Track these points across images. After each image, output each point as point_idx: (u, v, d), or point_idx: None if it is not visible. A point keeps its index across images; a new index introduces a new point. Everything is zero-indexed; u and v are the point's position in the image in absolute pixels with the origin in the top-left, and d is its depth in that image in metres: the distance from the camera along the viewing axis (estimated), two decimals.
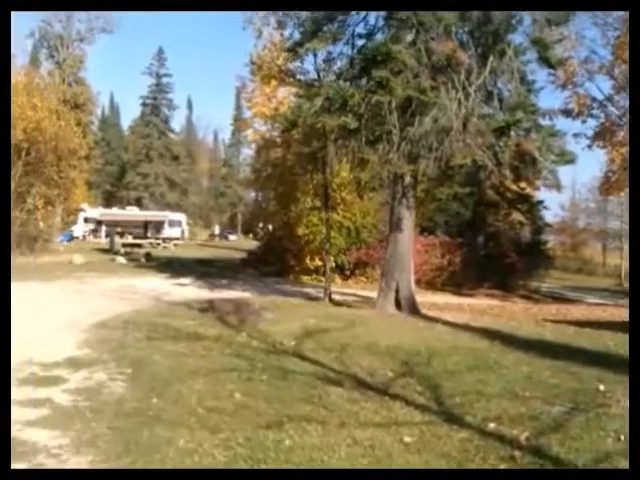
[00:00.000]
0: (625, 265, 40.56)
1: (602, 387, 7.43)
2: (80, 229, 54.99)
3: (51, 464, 4.89)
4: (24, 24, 54.10)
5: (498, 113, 14.84)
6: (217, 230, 78.56)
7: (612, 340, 11.31)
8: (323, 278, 20.18)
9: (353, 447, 5.40)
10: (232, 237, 76.30)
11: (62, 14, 58.60)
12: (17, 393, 6.65)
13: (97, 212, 57.27)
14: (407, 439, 5.60)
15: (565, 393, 7.33)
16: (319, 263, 24.72)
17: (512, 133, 14.56)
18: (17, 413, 5.99)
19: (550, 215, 42.43)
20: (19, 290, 16.23)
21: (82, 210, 53.86)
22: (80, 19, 59.53)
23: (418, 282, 18.89)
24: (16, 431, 5.49)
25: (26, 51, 57.88)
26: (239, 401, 6.68)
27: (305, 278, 25.59)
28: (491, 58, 14.32)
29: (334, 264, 23.40)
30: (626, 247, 40.24)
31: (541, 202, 31.91)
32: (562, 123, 27.30)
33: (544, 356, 9.64)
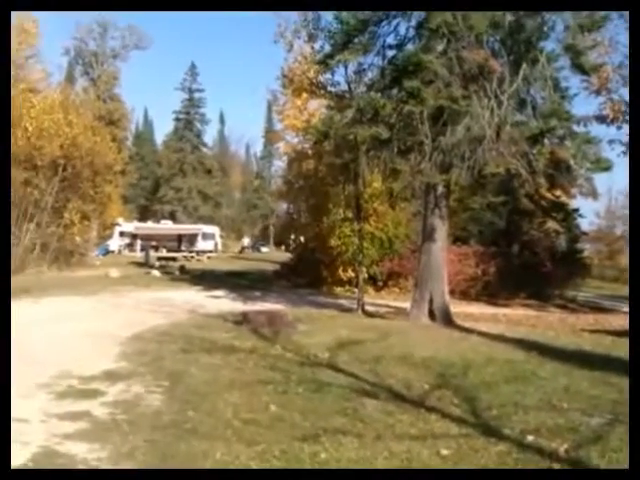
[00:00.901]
0: None
1: None
2: (116, 243, 55.73)
3: None
4: (59, 42, 55.41)
5: (532, 121, 14.69)
6: (246, 242, 78.63)
7: None
8: (356, 289, 20.15)
9: (390, 460, 5.36)
10: (264, 249, 76.50)
11: (96, 32, 59.86)
12: (56, 407, 6.76)
13: (132, 226, 58.04)
14: (444, 452, 5.54)
15: (604, 404, 7.21)
16: (352, 274, 24.66)
17: (546, 141, 14.41)
18: (56, 426, 6.09)
19: (586, 223, 41.72)
20: (57, 304, 16.56)
21: (117, 224, 54.64)
22: (114, 36, 60.77)
23: (452, 292, 18.71)
24: (55, 444, 5.57)
25: (62, 69, 59.10)
26: (274, 413, 6.68)
27: (338, 289, 25.54)
28: (524, 66, 14.20)
29: (367, 275, 23.31)
30: None
31: (577, 210, 31.47)
32: (597, 130, 26.80)
33: (582, 367, 9.48)
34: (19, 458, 5.04)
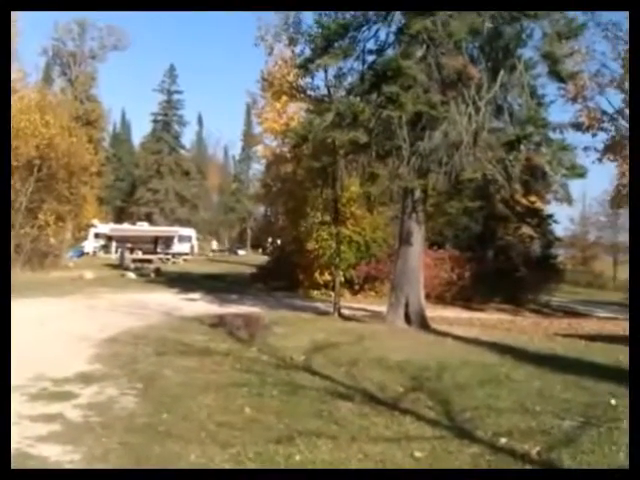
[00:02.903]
0: None
1: (614, 401, 7.37)
2: (91, 245, 55.14)
3: None
4: (37, 42, 54.89)
5: (508, 127, 14.85)
6: (214, 246, 77.98)
7: (623, 354, 11.19)
8: (332, 293, 20.18)
9: (364, 462, 5.38)
10: (241, 252, 76.27)
11: (75, 32, 59.43)
12: (28, 408, 6.68)
13: (107, 228, 57.44)
14: (418, 454, 5.57)
15: (576, 407, 7.28)
16: (328, 278, 24.71)
17: (522, 147, 14.56)
18: (29, 428, 6.01)
19: (560, 229, 42.28)
20: (30, 306, 16.34)
21: (93, 226, 54.08)
22: (92, 37, 60.40)
23: (428, 296, 18.79)
24: (27, 447, 5.50)
25: (39, 68, 58.53)
26: (249, 416, 6.67)
27: (314, 293, 25.55)
28: (501, 72, 14.37)
29: (343, 279, 23.35)
30: None
31: (551, 216, 31.76)
32: (572, 137, 27.29)
33: (555, 370, 9.57)
34: None
